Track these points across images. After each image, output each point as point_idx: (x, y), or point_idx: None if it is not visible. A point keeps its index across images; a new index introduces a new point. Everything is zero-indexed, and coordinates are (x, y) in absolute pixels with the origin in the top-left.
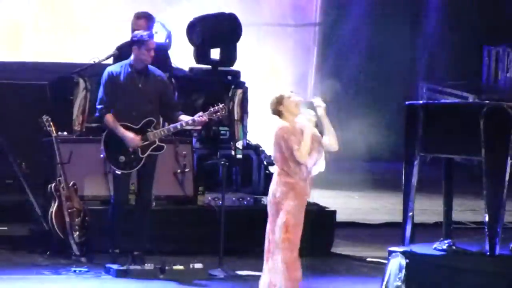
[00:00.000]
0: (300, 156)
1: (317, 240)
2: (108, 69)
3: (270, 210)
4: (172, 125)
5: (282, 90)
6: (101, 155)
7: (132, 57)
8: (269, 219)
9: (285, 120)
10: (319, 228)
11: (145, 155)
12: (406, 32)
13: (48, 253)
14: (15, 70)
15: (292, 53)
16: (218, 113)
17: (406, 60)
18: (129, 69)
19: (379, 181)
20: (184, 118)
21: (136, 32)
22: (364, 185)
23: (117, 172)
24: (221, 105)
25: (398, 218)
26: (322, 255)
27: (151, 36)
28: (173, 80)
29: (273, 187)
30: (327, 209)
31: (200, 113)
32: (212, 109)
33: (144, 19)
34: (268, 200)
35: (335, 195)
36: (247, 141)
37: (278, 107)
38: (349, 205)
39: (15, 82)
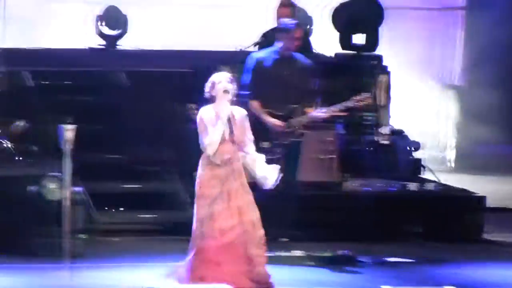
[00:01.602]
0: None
1: (467, 226)
2: (254, 55)
3: None
4: (314, 113)
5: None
6: None
7: (277, 44)
8: None
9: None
10: (468, 214)
11: (289, 141)
12: None
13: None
14: (160, 58)
15: (437, 37)
16: (363, 102)
17: None
18: (275, 56)
19: None
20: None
21: (281, 20)
22: None
23: None
24: (366, 94)
25: None
26: (472, 241)
27: (296, 24)
28: (315, 66)
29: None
30: (475, 194)
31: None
32: (356, 97)
33: (289, 7)
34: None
35: (486, 180)
36: (391, 127)
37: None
38: (501, 190)
39: (161, 70)
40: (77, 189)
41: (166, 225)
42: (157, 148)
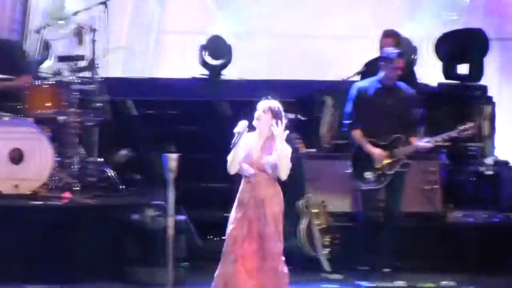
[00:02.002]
0: None
1: None
2: (357, 85)
3: None
4: (417, 142)
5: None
6: (348, 171)
7: (380, 73)
8: None
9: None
10: None
11: (392, 171)
12: None
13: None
14: (264, 87)
15: None
16: (467, 132)
17: None
18: (378, 85)
19: None
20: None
21: (384, 49)
22: None
23: (364, 188)
24: (470, 124)
25: None
26: None
27: (399, 54)
28: (419, 95)
29: None
30: None
31: (447, 133)
32: (461, 127)
33: (392, 37)
34: None
35: None
36: (496, 157)
37: None
38: None
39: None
40: (180, 217)
41: None
42: None
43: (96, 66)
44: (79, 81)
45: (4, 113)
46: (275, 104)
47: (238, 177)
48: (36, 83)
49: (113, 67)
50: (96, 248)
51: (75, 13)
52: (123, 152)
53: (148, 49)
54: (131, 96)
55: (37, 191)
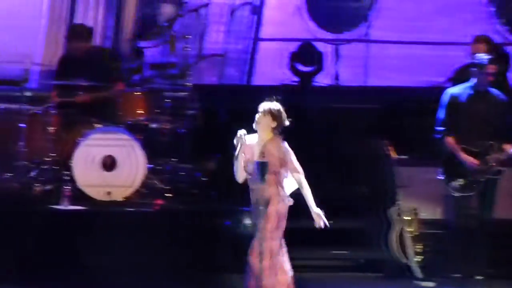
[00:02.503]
0: None
1: None
2: (449, 91)
3: None
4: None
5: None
6: (440, 178)
7: (472, 80)
8: None
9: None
10: None
11: (485, 178)
12: None
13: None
14: (354, 94)
15: None
16: None
17: None
18: (470, 92)
19: None
20: None
21: (476, 55)
22: None
23: (456, 195)
24: None
25: None
26: None
27: (490, 60)
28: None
29: None
30: None
31: None
32: None
33: (484, 43)
34: None
35: None
36: None
37: None
38: None
39: (356, 106)
40: None
41: (358, 261)
42: (350, 183)
43: (188, 73)
44: (171, 88)
45: (97, 120)
46: (276, 106)
47: (326, 184)
48: (129, 91)
49: (207, 74)
50: (188, 254)
51: (168, 21)
52: (214, 159)
53: (243, 57)
54: (224, 103)
55: (129, 198)
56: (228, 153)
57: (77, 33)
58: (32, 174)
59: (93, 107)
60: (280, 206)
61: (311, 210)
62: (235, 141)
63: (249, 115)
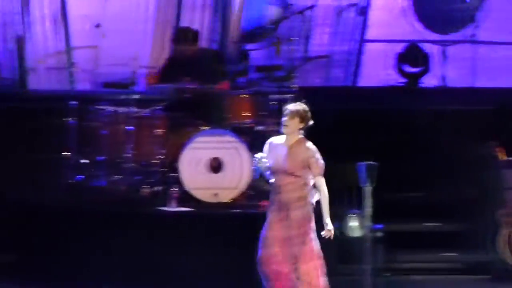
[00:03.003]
0: None
1: None
2: None
3: None
4: None
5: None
6: None
7: None
8: None
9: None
10: None
11: None
12: None
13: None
14: (463, 95)
15: None
16: None
17: None
18: None
19: None
20: None
21: None
22: None
23: None
24: None
25: None
26: None
27: None
28: None
29: None
30: None
31: None
32: None
33: None
34: None
35: None
36: None
37: None
38: None
39: (464, 108)
40: (377, 226)
41: (467, 264)
42: (458, 186)
43: (294, 75)
44: (277, 90)
45: (204, 123)
46: (302, 107)
47: (433, 187)
48: (235, 93)
49: (312, 76)
50: None
51: (273, 23)
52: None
53: (348, 58)
54: (329, 105)
55: (236, 200)
56: (333, 154)
57: (184, 36)
58: (140, 176)
59: (199, 109)
60: (300, 213)
61: (323, 219)
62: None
63: (354, 116)
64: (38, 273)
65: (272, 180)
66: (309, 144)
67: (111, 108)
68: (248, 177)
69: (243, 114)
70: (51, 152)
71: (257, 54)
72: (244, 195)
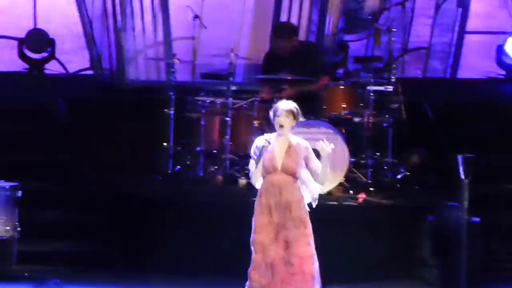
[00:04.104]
0: None
1: None
2: None
3: None
4: None
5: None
6: None
7: None
8: None
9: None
10: None
11: None
12: None
13: None
14: None
15: None
16: None
17: None
18: None
19: None
20: None
21: None
22: None
23: None
24: None
25: None
26: None
27: None
28: None
29: None
30: None
31: None
32: None
33: None
34: None
35: None
36: None
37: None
38: None
39: None
40: (475, 219)
41: None
42: None
43: (393, 67)
44: (375, 82)
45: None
46: (294, 104)
47: None
48: (333, 84)
49: (411, 67)
50: (390, 248)
51: (373, 14)
52: (418, 153)
53: (448, 50)
54: (428, 97)
55: (333, 192)
56: (432, 147)
57: (282, 31)
58: (237, 167)
59: (297, 101)
60: (304, 212)
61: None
62: (255, 150)
63: (453, 108)
64: (136, 263)
65: (261, 181)
66: (303, 141)
67: (209, 99)
68: (345, 168)
69: (340, 105)
70: (150, 142)
71: (356, 45)
72: (341, 187)
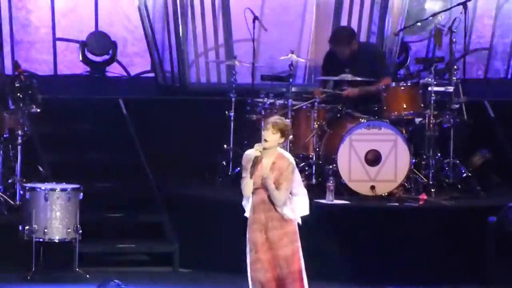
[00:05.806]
0: None
1: None
2: None
3: None
4: None
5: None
6: None
7: None
8: None
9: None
10: None
11: None
12: None
13: None
14: None
15: None
16: None
17: None
18: None
19: None
20: None
21: None
22: None
23: None
24: None
25: None
26: None
27: None
28: None
29: None
30: None
31: None
32: None
33: None
34: None
35: None
36: None
37: None
38: None
39: None
40: None
41: None
42: None
43: (455, 67)
44: (437, 83)
45: (361, 115)
46: (283, 121)
47: None
48: (394, 85)
49: (473, 68)
50: (451, 250)
51: (434, 15)
52: (480, 153)
53: (510, 50)
54: (490, 97)
55: (393, 193)
56: (495, 147)
57: (339, 38)
58: (298, 168)
59: (358, 102)
60: (289, 250)
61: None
62: (246, 161)
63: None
64: (196, 263)
65: (252, 199)
66: (291, 158)
67: (269, 101)
68: (406, 169)
69: (402, 106)
70: (210, 144)
71: (417, 46)
72: (402, 188)
